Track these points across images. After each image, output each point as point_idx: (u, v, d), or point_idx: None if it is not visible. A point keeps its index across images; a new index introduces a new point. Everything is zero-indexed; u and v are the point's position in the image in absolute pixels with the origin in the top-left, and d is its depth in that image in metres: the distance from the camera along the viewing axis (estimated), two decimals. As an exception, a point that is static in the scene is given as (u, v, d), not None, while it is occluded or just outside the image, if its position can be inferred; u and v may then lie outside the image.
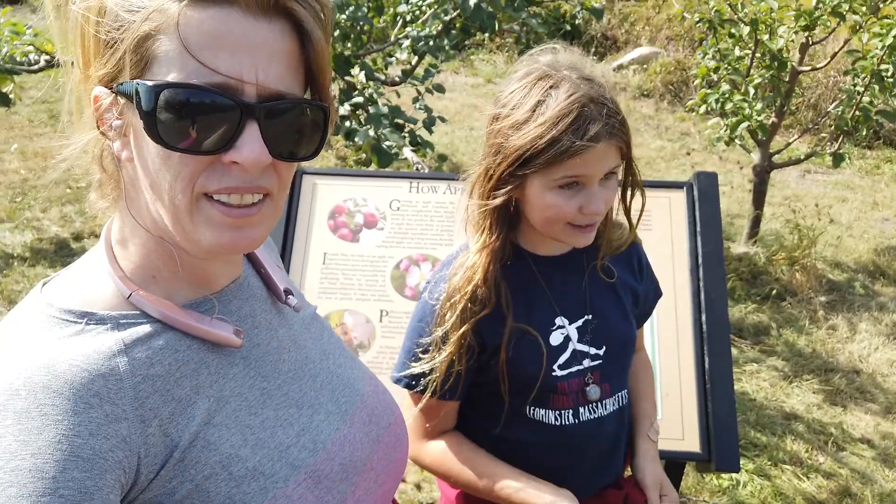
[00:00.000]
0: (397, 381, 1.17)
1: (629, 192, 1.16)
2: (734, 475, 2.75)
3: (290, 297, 0.86)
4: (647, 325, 1.79)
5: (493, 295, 1.10)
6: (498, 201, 1.07)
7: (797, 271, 4.23)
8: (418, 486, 2.58)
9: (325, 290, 1.79)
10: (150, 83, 0.60)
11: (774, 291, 4.15)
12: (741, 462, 2.84)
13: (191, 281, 0.73)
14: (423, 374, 1.12)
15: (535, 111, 1.01)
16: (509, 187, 1.06)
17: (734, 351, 3.64)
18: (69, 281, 0.71)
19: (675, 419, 1.72)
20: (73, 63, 0.67)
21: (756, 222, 4.56)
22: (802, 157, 4.38)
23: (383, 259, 1.83)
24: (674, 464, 1.83)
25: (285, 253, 1.80)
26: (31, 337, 0.64)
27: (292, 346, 0.83)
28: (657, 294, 1.37)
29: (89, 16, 0.62)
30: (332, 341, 0.92)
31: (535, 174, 1.03)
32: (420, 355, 1.13)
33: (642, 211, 1.22)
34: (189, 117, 0.60)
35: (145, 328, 0.68)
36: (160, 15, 0.60)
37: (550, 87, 1.02)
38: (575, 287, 1.17)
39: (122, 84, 0.62)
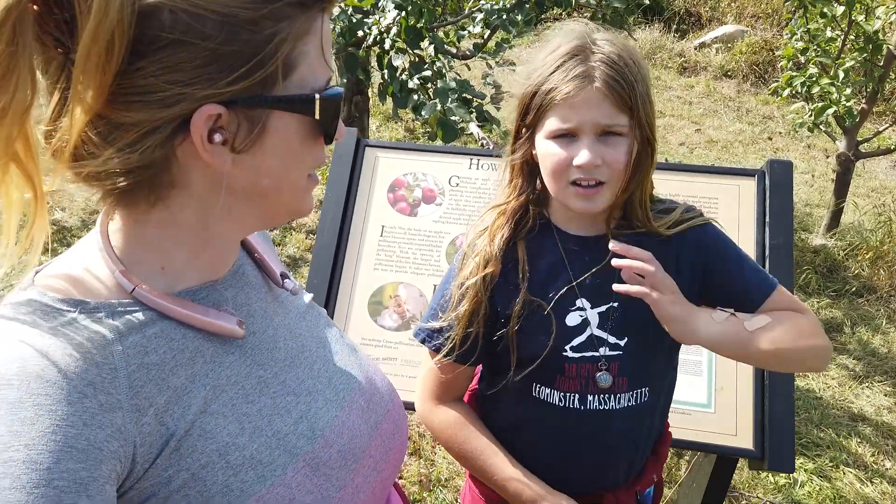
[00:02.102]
0: (416, 334, 1.19)
1: (642, 162, 1.05)
2: (792, 474, 2.67)
3: (287, 280, 0.85)
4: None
5: (503, 257, 1.11)
6: (517, 157, 1.10)
7: (881, 268, 4.02)
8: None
9: (381, 261, 1.81)
10: (332, 92, 0.68)
11: (853, 288, 3.96)
12: (800, 461, 2.75)
13: (203, 268, 0.73)
14: (442, 332, 1.14)
15: (542, 62, 1.05)
16: (523, 140, 1.09)
17: (802, 346, 3.50)
18: (63, 270, 0.69)
19: (728, 414, 1.68)
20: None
21: (837, 214, 4.35)
22: (894, 146, 4.13)
23: (440, 234, 1.83)
24: (726, 459, 1.80)
25: (344, 224, 1.83)
26: (24, 325, 0.62)
27: (288, 335, 0.82)
28: (753, 300, 1.13)
29: (213, 33, 0.60)
30: (329, 329, 0.91)
31: (536, 124, 1.06)
32: (441, 314, 1.15)
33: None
34: (337, 113, 0.70)
35: (139, 316, 0.67)
36: (307, 24, 0.65)
37: (562, 44, 1.04)
38: (603, 271, 1.11)
39: (274, 98, 0.64)
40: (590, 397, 1.13)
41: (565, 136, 1.03)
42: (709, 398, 1.71)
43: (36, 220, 0.63)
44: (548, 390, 1.13)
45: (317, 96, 0.66)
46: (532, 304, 1.11)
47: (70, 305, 0.64)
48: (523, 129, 1.09)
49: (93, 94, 0.58)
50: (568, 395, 1.13)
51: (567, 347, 1.12)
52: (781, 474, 2.66)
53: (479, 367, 1.29)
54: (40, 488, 0.54)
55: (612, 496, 1.20)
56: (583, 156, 1.01)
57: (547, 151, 1.05)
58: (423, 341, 1.18)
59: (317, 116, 0.67)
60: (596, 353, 1.12)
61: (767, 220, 1.77)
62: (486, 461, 1.17)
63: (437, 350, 1.15)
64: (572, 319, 1.12)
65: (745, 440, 1.65)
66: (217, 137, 0.63)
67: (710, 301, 1.11)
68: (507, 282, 1.11)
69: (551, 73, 1.02)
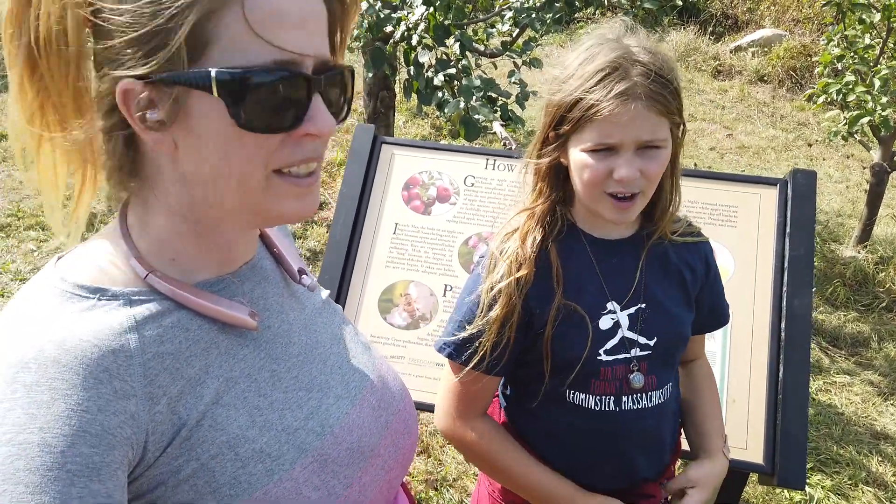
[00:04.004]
0: (441, 348, 1.15)
1: (673, 176, 1.13)
2: (808, 490, 2.61)
3: (304, 276, 0.85)
4: (720, 327, 1.71)
5: (536, 261, 1.09)
6: (543, 161, 1.09)
7: (912, 282, 3.91)
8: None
9: (392, 259, 1.81)
10: (236, 70, 0.61)
11: (883, 302, 3.86)
12: (818, 478, 2.69)
13: (211, 261, 0.74)
14: (470, 342, 1.10)
15: (577, 70, 1.02)
16: (552, 146, 1.07)
17: (826, 360, 3.43)
18: (83, 257, 0.70)
19: (739, 427, 1.64)
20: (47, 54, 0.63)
21: (869, 226, 4.24)
22: (930, 158, 4.01)
23: (452, 234, 1.82)
24: (736, 472, 1.76)
25: (358, 220, 1.83)
26: (44, 311, 0.63)
27: (303, 330, 0.83)
28: (719, 319, 1.29)
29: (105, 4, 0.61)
30: (344, 326, 0.91)
31: (572, 134, 1.04)
32: (468, 325, 1.11)
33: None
34: (271, 98, 0.62)
35: (157, 306, 0.67)
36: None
37: (598, 48, 1.02)
38: (630, 274, 1.14)
39: (176, 74, 0.61)
40: (624, 398, 1.13)
41: (603, 150, 1.02)
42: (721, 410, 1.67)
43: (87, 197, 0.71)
44: (583, 395, 1.13)
45: (212, 72, 0.60)
46: (567, 309, 1.10)
47: (89, 292, 0.65)
48: (552, 136, 1.07)
49: (60, 71, 0.62)
50: (604, 398, 1.13)
51: (601, 351, 1.12)
52: (797, 491, 2.61)
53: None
54: (53, 471, 0.55)
55: (651, 486, 1.21)
56: (623, 171, 1.01)
57: (583, 163, 1.03)
58: (449, 356, 1.14)
59: (214, 94, 0.61)
60: (628, 355, 1.13)
61: (788, 230, 1.73)
62: (523, 473, 1.16)
63: (465, 363, 1.11)
64: (605, 323, 1.12)
65: (756, 454, 1.62)
66: (150, 116, 0.63)
67: (698, 305, 1.22)
68: (542, 286, 1.09)
69: (591, 88, 0.99)
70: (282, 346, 0.78)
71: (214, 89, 0.61)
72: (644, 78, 0.98)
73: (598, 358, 1.11)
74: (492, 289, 1.09)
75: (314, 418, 0.76)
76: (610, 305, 1.12)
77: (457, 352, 1.12)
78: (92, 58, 0.64)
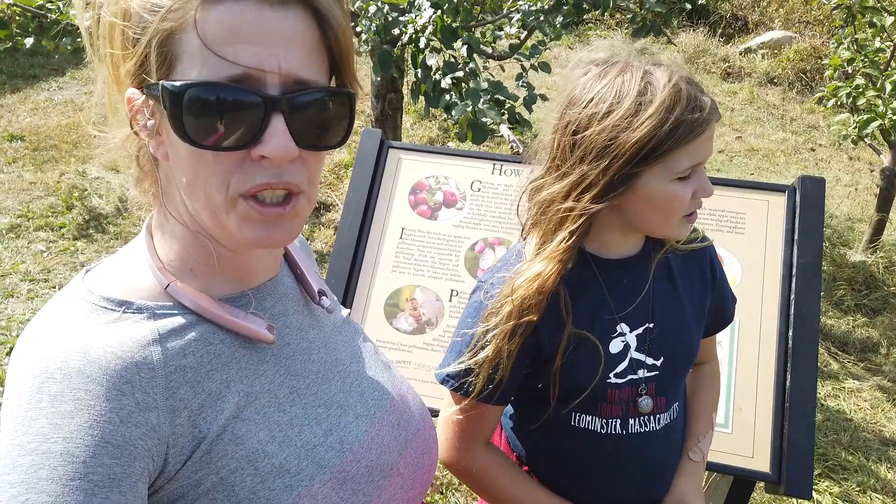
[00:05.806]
0: (443, 380, 1.12)
1: None
2: (816, 496, 2.60)
3: (324, 298, 0.86)
4: (726, 333, 1.70)
5: (553, 301, 1.04)
6: (600, 206, 0.99)
7: (921, 287, 3.89)
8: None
9: (399, 264, 1.81)
10: (176, 83, 0.61)
11: (892, 307, 3.83)
12: (825, 484, 2.67)
13: (227, 276, 0.74)
14: (467, 375, 1.07)
15: (640, 101, 0.95)
16: (622, 189, 0.98)
17: (835, 365, 3.41)
18: (111, 270, 0.72)
19: (745, 435, 1.64)
20: (101, 61, 0.68)
21: (879, 230, 4.21)
22: (941, 162, 3.98)
23: (459, 239, 1.82)
24: (743, 481, 1.75)
25: (364, 225, 1.84)
26: (71, 322, 0.65)
27: (322, 348, 0.83)
28: (728, 315, 1.30)
29: (116, 19, 0.63)
30: (365, 345, 0.91)
31: (654, 167, 0.97)
32: (465, 360, 1.07)
33: None
34: (215, 114, 0.61)
35: (180, 319, 0.68)
36: (178, 13, 0.61)
37: (642, 75, 0.97)
38: (639, 293, 1.11)
39: (151, 85, 0.63)
40: (631, 421, 1.11)
41: (686, 175, 1.00)
42: (727, 418, 1.67)
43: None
44: (589, 417, 1.11)
45: (161, 84, 0.61)
46: (579, 338, 1.07)
47: (115, 304, 0.67)
48: (623, 177, 0.98)
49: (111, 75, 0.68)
50: (610, 420, 1.11)
51: (611, 375, 1.10)
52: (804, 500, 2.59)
53: None
54: (75, 481, 0.56)
55: None
56: (709, 186, 1.02)
57: (672, 194, 1.00)
58: (452, 388, 1.10)
59: (170, 108, 0.61)
60: (635, 376, 1.11)
61: (796, 237, 1.72)
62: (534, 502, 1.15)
63: (465, 394, 1.08)
64: (615, 346, 1.10)
65: (762, 463, 1.61)
66: (149, 124, 0.65)
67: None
68: (551, 317, 1.06)
69: (673, 111, 0.94)
70: (301, 362, 0.79)
71: (162, 101, 0.62)
72: (704, 94, 0.99)
73: (608, 381, 1.09)
74: (486, 332, 1.04)
75: (333, 435, 0.76)
76: (620, 328, 1.10)
77: (457, 382, 1.09)
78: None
